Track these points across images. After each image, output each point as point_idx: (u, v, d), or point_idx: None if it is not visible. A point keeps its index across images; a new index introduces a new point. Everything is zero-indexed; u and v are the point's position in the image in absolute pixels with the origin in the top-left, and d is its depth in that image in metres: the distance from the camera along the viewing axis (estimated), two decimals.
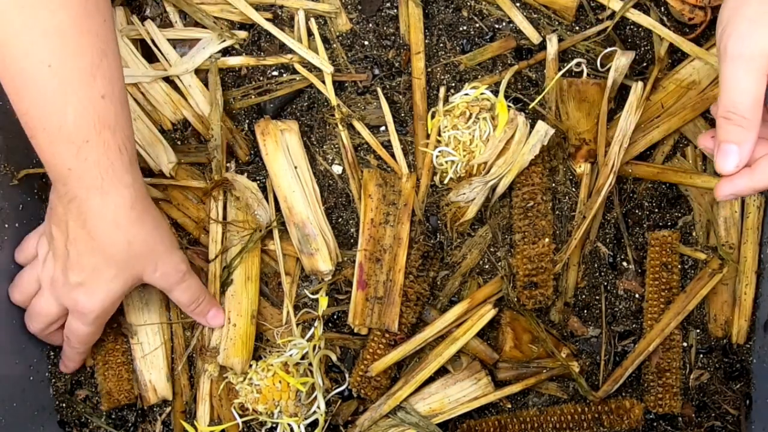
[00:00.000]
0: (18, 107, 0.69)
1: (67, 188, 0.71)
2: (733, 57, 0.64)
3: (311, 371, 0.85)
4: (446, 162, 0.87)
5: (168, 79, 0.90)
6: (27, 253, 0.83)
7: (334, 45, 0.91)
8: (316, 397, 0.85)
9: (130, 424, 0.88)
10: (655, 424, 0.89)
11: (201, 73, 0.90)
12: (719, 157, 0.68)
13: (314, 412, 0.85)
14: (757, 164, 0.68)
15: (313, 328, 0.86)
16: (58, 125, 0.68)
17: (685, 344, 0.90)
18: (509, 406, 0.89)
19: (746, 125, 0.65)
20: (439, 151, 0.87)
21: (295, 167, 0.87)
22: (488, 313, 0.86)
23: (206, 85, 0.90)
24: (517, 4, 0.91)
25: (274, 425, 0.86)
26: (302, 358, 0.85)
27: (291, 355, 0.84)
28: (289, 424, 0.84)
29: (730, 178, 0.68)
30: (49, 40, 0.66)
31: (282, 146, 0.87)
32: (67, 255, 0.74)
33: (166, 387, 0.86)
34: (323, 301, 0.86)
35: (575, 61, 0.90)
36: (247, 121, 0.90)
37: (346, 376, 0.88)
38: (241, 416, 0.85)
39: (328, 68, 0.89)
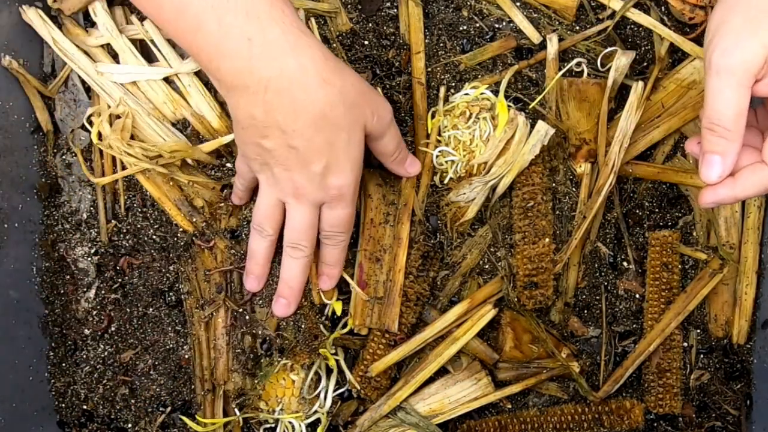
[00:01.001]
0: (168, 3, 0.64)
1: (256, 75, 0.66)
2: (718, 69, 0.66)
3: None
4: (446, 162, 0.87)
5: (167, 80, 0.89)
6: (243, 183, 0.79)
7: (334, 44, 0.91)
8: (318, 396, 0.85)
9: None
10: (655, 424, 0.89)
11: (201, 73, 0.90)
12: (703, 167, 0.69)
13: (315, 411, 0.85)
14: (739, 175, 0.69)
15: (321, 325, 0.86)
16: None
17: (685, 344, 0.89)
18: (509, 406, 0.89)
19: (729, 137, 0.67)
20: (440, 151, 0.87)
21: None
22: (488, 313, 0.86)
23: (206, 84, 0.90)
24: (518, 4, 0.91)
25: (274, 426, 0.85)
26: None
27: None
28: (290, 422, 0.84)
29: (713, 187, 0.70)
30: None
31: None
32: (297, 151, 0.69)
33: None
34: (337, 306, 0.86)
35: (575, 60, 0.90)
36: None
37: (347, 376, 0.88)
38: (241, 412, 0.85)
39: None
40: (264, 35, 0.65)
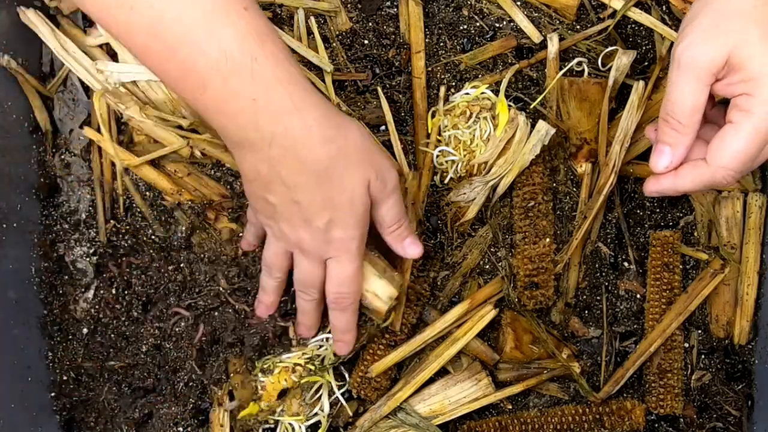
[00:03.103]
0: (174, 64, 0.64)
1: (261, 132, 0.66)
2: (680, 64, 0.67)
3: (313, 371, 0.85)
4: (447, 162, 0.87)
5: None
6: (253, 233, 0.82)
7: (334, 44, 0.91)
8: (319, 398, 0.85)
9: None
10: (656, 425, 0.89)
11: None
12: (654, 156, 0.72)
13: (316, 413, 0.85)
14: (681, 168, 0.71)
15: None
16: (221, 56, 0.64)
17: (686, 345, 0.89)
18: (510, 407, 0.88)
19: (681, 130, 0.69)
20: (440, 151, 0.87)
21: None
22: (489, 313, 0.85)
23: None
24: (518, 3, 0.91)
25: (274, 426, 0.85)
26: (309, 358, 0.85)
27: (311, 351, 0.84)
28: (290, 424, 0.84)
29: (656, 176, 0.72)
30: None
31: None
32: (299, 206, 0.70)
33: None
34: None
35: (576, 60, 0.89)
36: None
37: (347, 377, 0.87)
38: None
39: (328, 67, 0.89)
40: (268, 96, 0.66)
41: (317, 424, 0.85)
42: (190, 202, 0.87)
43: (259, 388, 0.83)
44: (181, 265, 0.87)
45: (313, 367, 0.84)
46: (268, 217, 0.74)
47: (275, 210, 0.72)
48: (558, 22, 0.91)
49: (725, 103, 0.71)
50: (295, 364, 0.83)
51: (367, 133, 0.73)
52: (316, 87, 0.80)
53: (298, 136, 0.67)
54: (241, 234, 0.86)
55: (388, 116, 0.89)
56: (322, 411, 0.85)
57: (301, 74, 0.68)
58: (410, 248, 0.78)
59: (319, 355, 0.85)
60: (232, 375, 0.84)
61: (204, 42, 0.63)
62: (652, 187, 0.73)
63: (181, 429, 0.87)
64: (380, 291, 0.79)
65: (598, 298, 0.90)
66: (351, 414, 0.87)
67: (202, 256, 0.87)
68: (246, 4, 0.65)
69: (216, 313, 0.86)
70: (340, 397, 0.85)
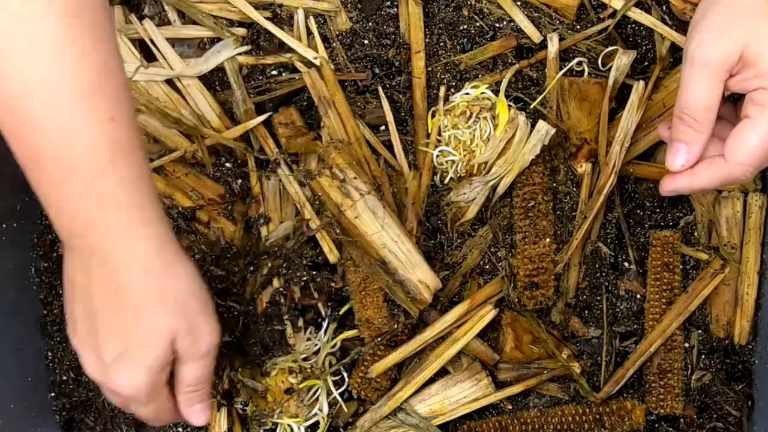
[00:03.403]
0: (20, 150, 0.60)
1: (87, 241, 0.61)
2: (693, 61, 0.67)
3: (309, 374, 0.85)
4: (447, 162, 0.87)
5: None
6: None
7: (334, 44, 0.91)
8: (318, 399, 0.85)
9: None
10: (656, 425, 0.89)
11: (202, 74, 0.90)
12: (669, 154, 0.71)
13: (315, 414, 0.85)
14: (697, 166, 0.70)
15: (323, 329, 0.86)
16: (66, 157, 0.59)
17: (686, 345, 0.89)
18: (510, 407, 0.88)
19: (697, 127, 0.68)
20: (440, 151, 0.87)
21: None
22: (489, 313, 0.85)
23: (206, 84, 0.89)
24: (518, 3, 0.91)
25: (273, 428, 0.85)
26: (305, 359, 0.85)
27: (310, 351, 0.85)
28: (289, 425, 0.84)
29: (672, 176, 0.72)
30: (43, 56, 0.57)
31: None
32: (95, 328, 0.63)
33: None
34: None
35: (576, 60, 0.89)
36: (245, 120, 0.90)
37: (346, 377, 0.87)
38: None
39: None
40: (102, 212, 0.60)
41: (317, 424, 0.85)
42: (180, 208, 0.87)
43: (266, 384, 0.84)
44: None
45: (308, 369, 0.84)
46: (70, 329, 0.66)
47: (74, 322, 0.65)
48: (558, 22, 0.91)
49: (734, 99, 0.71)
50: (290, 367, 0.83)
51: (197, 284, 0.66)
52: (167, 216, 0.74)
53: (120, 260, 0.62)
54: (232, 230, 0.87)
55: (389, 116, 0.89)
56: (321, 411, 0.85)
57: (149, 200, 0.63)
58: (196, 415, 0.70)
59: (314, 355, 0.85)
60: (240, 370, 0.84)
61: (55, 139, 0.58)
62: (668, 187, 0.72)
63: (181, 429, 0.87)
64: (430, 281, 0.82)
65: (598, 298, 0.90)
66: (350, 414, 0.87)
67: (194, 257, 0.87)
68: (115, 115, 0.60)
69: None
70: (339, 398, 0.85)
